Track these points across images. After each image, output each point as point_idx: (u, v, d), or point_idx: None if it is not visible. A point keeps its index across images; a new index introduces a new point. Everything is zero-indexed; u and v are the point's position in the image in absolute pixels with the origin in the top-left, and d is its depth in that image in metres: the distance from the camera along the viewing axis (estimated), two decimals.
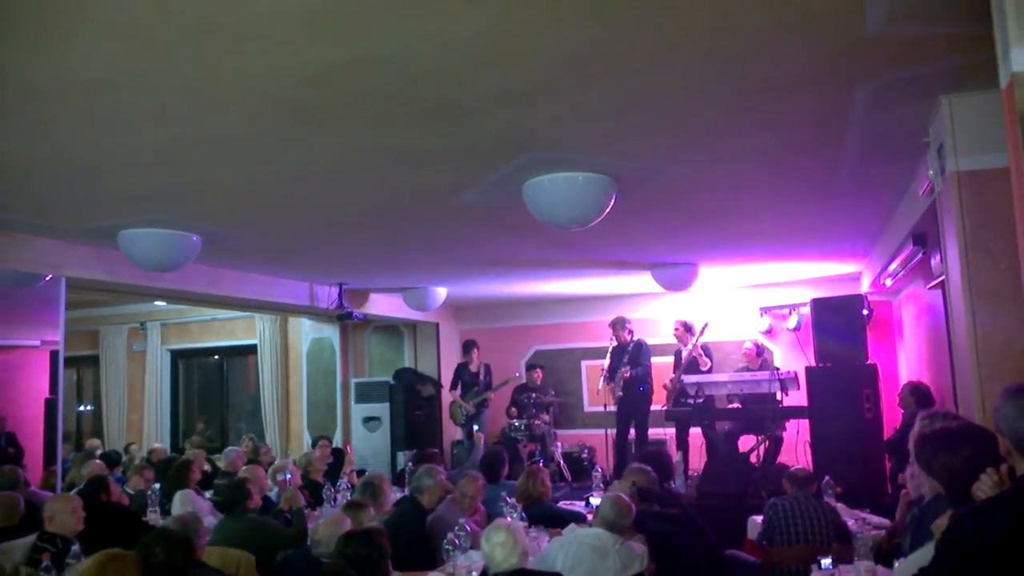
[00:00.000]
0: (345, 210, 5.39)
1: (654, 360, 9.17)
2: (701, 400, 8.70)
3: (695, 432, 8.91)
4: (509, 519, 4.32)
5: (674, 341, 9.42)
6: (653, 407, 9.10)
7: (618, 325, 9.21)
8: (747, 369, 8.92)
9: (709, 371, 8.93)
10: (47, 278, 5.96)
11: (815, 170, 4.80)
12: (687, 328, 9.20)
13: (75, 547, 4.10)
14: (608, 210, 4.73)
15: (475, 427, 9.77)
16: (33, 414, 6.22)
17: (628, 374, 8.87)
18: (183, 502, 5.99)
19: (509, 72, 3.08)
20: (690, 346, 9.08)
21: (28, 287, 5.94)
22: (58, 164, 4.06)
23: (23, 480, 5.77)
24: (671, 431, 9.11)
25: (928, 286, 6.54)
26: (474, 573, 4.00)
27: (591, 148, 4.12)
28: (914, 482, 3.69)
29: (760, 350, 9.26)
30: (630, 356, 9.04)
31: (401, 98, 3.31)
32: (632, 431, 9.12)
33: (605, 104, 3.49)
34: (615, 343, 9.18)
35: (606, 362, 9.15)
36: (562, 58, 2.97)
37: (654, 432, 9.18)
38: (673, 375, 9.11)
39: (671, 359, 9.33)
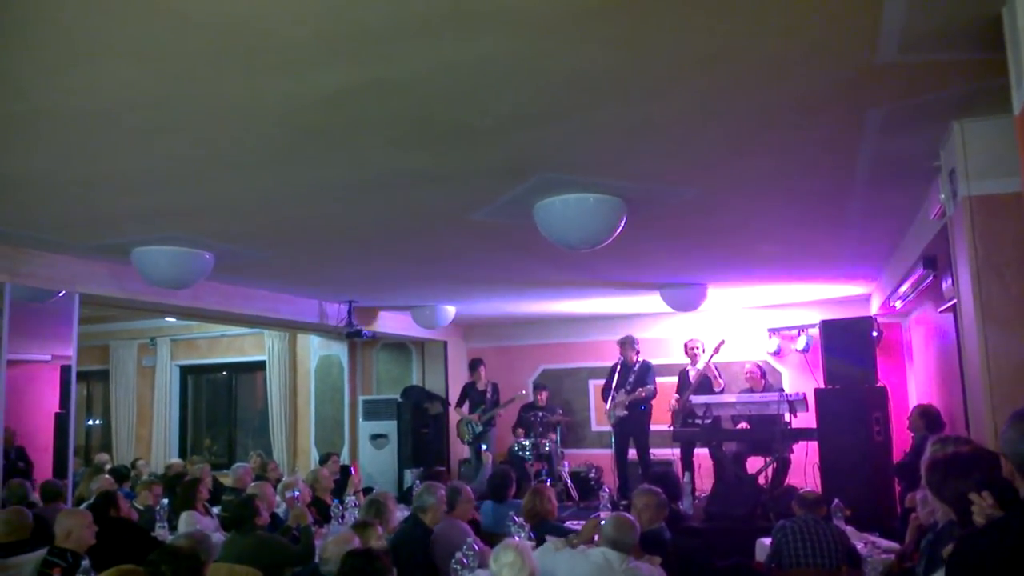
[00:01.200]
0: (357, 229, 5.42)
1: (659, 380, 9.19)
2: (709, 420, 8.68)
3: (701, 452, 8.89)
4: (517, 539, 4.29)
5: (682, 361, 9.42)
6: (658, 427, 9.11)
7: (627, 344, 9.23)
8: (751, 391, 8.90)
9: (722, 391, 8.93)
10: (60, 294, 6.00)
11: (826, 193, 4.81)
12: (701, 348, 9.22)
13: (85, 562, 4.10)
14: (618, 231, 4.75)
15: (483, 447, 9.77)
16: (43, 428, 6.23)
17: (644, 394, 8.87)
18: (188, 523, 5.98)
19: (522, 95, 3.11)
20: (701, 365, 9.09)
21: (41, 302, 5.98)
22: (74, 182, 4.10)
23: (30, 495, 5.79)
24: (676, 451, 9.09)
25: (939, 310, 6.53)
26: None
27: (602, 170, 4.15)
28: (926, 508, 3.67)
29: (764, 372, 9.25)
30: (636, 376, 9.04)
31: (414, 120, 3.34)
32: (632, 451, 9.12)
33: (616, 127, 3.52)
34: (621, 361, 9.19)
35: (614, 380, 9.14)
36: (574, 82, 3.00)
37: (661, 452, 9.16)
38: (678, 395, 9.11)
39: (675, 379, 9.34)
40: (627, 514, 4.39)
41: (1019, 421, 2.33)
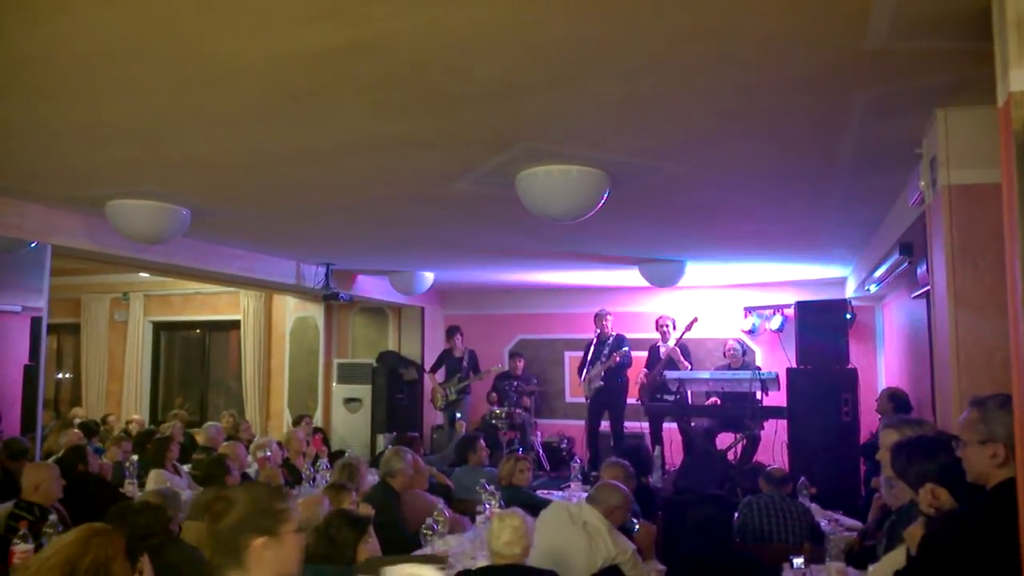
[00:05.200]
0: (337, 192, 5.37)
1: (633, 354, 9.28)
2: (676, 397, 8.78)
3: (670, 427, 9.00)
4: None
5: (653, 336, 9.49)
6: (627, 401, 9.21)
7: (601, 317, 9.30)
8: (728, 367, 8.99)
9: (688, 371, 9.02)
10: (32, 245, 5.90)
11: (808, 174, 4.83)
12: (672, 325, 9.29)
13: (53, 516, 4.09)
14: (600, 204, 4.74)
15: (458, 415, 9.81)
16: (12, 380, 6.17)
17: (619, 358, 8.92)
18: (157, 481, 5.97)
19: (507, 64, 3.08)
20: (672, 342, 9.16)
21: (12, 252, 5.89)
22: (49, 132, 4.02)
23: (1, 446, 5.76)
24: (645, 425, 9.20)
25: (912, 295, 6.62)
26: (450, 559, 4.02)
27: (586, 142, 4.13)
28: (891, 490, 3.74)
29: (745, 350, 9.34)
30: (611, 348, 9.12)
31: (398, 84, 3.30)
32: (605, 423, 9.21)
33: (602, 101, 3.50)
34: (597, 335, 9.26)
35: (589, 353, 9.20)
36: (562, 53, 2.97)
37: (630, 426, 9.27)
38: (647, 370, 9.19)
39: (645, 354, 9.42)
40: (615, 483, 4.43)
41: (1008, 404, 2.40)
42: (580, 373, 9.35)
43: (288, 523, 2.29)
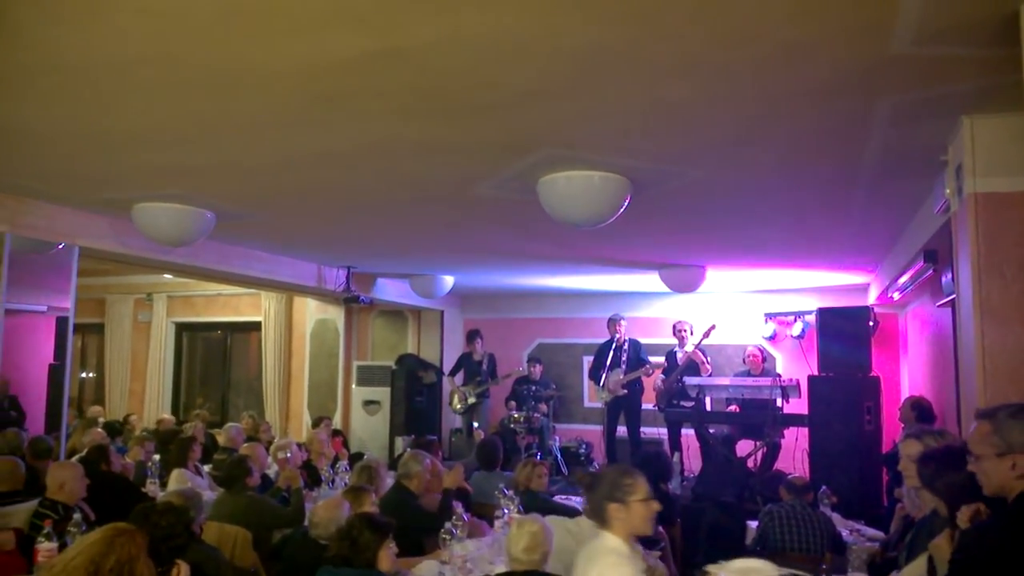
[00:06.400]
0: (360, 196, 5.40)
1: (651, 359, 9.28)
2: (692, 403, 8.74)
3: (688, 433, 8.97)
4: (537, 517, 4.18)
5: (671, 342, 9.46)
6: (643, 406, 9.20)
7: (615, 322, 9.30)
8: (748, 374, 8.94)
9: (709, 376, 8.98)
10: (60, 246, 5.98)
11: (831, 181, 4.80)
12: (689, 330, 9.26)
13: (77, 515, 4.14)
14: (622, 210, 4.73)
15: (475, 424, 9.83)
16: (37, 379, 6.25)
17: (650, 371, 8.95)
18: (179, 481, 6.02)
19: (532, 70, 3.08)
20: (689, 347, 9.13)
21: (40, 254, 5.97)
22: (78, 136, 4.07)
23: (26, 445, 5.83)
24: (663, 430, 9.17)
25: (937, 304, 6.55)
26: (468, 563, 4.02)
27: (608, 148, 4.13)
28: (914, 500, 3.70)
29: (765, 356, 9.29)
30: (630, 354, 9.11)
31: (424, 91, 3.32)
32: (622, 428, 9.20)
33: (625, 106, 3.50)
34: (612, 340, 9.24)
35: (607, 359, 9.18)
36: (585, 59, 2.97)
37: (647, 432, 9.25)
38: (664, 376, 9.16)
39: (662, 359, 9.39)
40: None
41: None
42: (595, 378, 9.33)
43: (634, 495, 2.94)
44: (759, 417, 8.12)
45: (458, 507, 4.85)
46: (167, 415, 10.55)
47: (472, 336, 10.53)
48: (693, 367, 9.02)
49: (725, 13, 2.60)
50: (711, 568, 3.11)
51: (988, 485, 2.41)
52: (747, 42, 2.83)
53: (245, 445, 6.75)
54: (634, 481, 2.98)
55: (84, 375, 12.50)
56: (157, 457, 6.52)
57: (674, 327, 9.42)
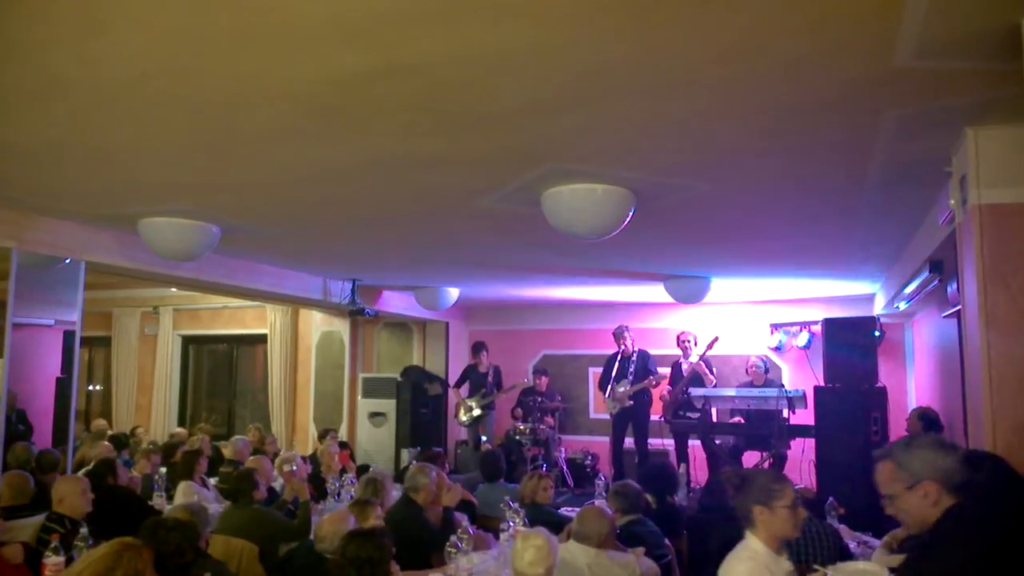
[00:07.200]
0: (365, 210, 5.42)
1: (660, 371, 9.28)
2: (698, 415, 8.72)
3: (694, 444, 8.94)
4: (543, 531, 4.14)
5: (676, 353, 9.45)
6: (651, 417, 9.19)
7: (621, 334, 9.29)
8: (751, 385, 8.92)
9: (714, 387, 8.97)
10: (66, 261, 6.01)
11: (836, 192, 4.80)
12: (693, 341, 9.26)
13: (83, 529, 4.14)
14: (626, 222, 4.74)
15: (483, 438, 9.82)
16: (44, 392, 6.27)
17: (655, 382, 8.95)
18: (186, 494, 6.02)
19: (536, 85, 3.10)
20: (694, 358, 9.11)
21: (47, 268, 6.00)
22: (84, 152, 4.10)
23: (34, 459, 5.84)
24: (669, 442, 9.15)
25: (943, 315, 6.53)
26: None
27: (613, 161, 4.14)
28: None
29: (768, 367, 9.27)
30: (637, 365, 9.10)
31: (426, 105, 3.34)
32: (630, 440, 9.18)
33: (629, 120, 3.51)
34: (620, 352, 9.24)
35: (613, 370, 9.18)
36: (589, 73, 2.98)
37: (653, 443, 9.23)
38: (670, 387, 9.15)
39: (669, 370, 9.38)
40: (597, 504, 4.37)
41: (929, 444, 2.45)
42: (603, 389, 9.32)
43: (779, 500, 2.95)
44: (765, 428, 8.09)
45: (463, 520, 4.84)
46: (179, 428, 10.56)
47: (477, 348, 10.53)
48: (698, 378, 9.01)
49: (727, 27, 2.61)
50: (828, 570, 3.08)
51: (912, 523, 2.43)
52: (751, 57, 2.84)
53: (251, 458, 6.75)
54: (782, 487, 3.01)
55: (91, 388, 12.53)
56: (164, 470, 6.52)
57: (678, 338, 9.41)
